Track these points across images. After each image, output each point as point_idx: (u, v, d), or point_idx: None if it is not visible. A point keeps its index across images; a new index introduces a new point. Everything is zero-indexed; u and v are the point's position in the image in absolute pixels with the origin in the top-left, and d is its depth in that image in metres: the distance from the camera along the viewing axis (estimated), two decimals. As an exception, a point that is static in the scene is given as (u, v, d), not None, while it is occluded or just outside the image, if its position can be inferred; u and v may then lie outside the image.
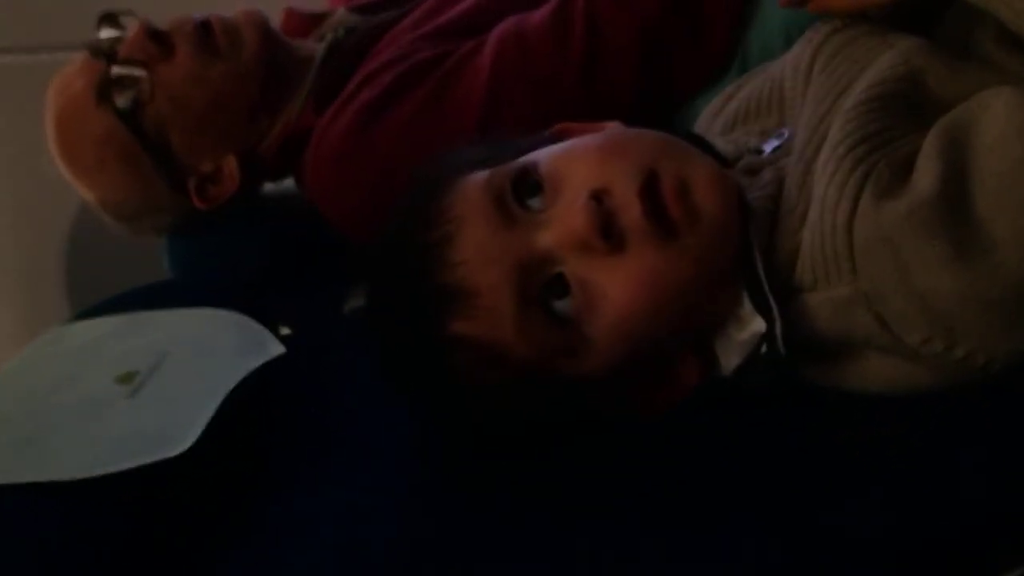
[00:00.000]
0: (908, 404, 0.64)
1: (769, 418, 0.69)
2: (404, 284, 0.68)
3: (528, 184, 0.67)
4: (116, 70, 1.10)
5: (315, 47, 1.21)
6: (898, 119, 0.65)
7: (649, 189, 0.63)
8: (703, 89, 1.00)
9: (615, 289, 0.64)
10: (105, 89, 1.10)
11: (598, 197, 0.63)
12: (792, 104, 0.76)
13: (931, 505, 0.59)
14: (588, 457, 0.70)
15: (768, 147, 0.74)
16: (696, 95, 1.01)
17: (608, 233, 0.63)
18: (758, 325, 0.66)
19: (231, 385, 0.82)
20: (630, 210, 0.63)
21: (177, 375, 0.85)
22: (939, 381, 0.63)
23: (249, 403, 0.84)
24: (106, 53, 1.12)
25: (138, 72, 1.10)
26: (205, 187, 1.16)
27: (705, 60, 1.02)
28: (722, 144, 0.76)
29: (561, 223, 0.65)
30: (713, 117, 0.85)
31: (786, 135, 0.74)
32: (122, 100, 1.10)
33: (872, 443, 0.64)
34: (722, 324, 0.69)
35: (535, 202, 0.66)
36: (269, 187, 1.28)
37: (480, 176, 0.68)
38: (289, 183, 1.25)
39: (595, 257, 0.64)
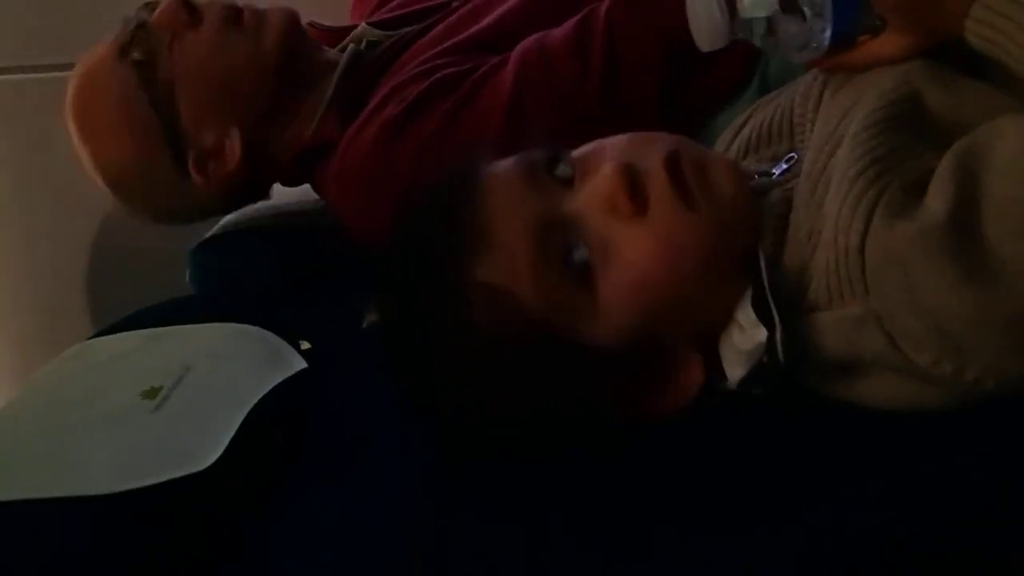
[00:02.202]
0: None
1: (771, 419, 0.69)
2: (430, 229, 0.70)
3: (559, 167, 0.69)
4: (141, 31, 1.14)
5: (338, 55, 1.22)
6: (906, 139, 0.65)
7: (671, 164, 0.66)
8: (721, 107, 1.01)
9: (635, 249, 0.66)
10: (127, 46, 1.13)
11: (626, 166, 0.66)
12: (801, 130, 0.77)
13: (931, 500, 0.59)
14: (596, 464, 0.70)
15: (777, 170, 0.75)
16: (716, 114, 1.01)
17: (634, 194, 0.65)
18: (760, 334, 0.66)
19: (253, 400, 0.83)
20: (655, 178, 0.66)
21: (200, 390, 0.85)
22: (948, 401, 0.63)
23: (268, 418, 0.84)
24: (136, 20, 1.15)
25: (162, 34, 1.13)
26: (205, 161, 1.17)
27: (722, 76, 1.02)
28: None
29: (589, 188, 0.68)
30: (726, 146, 0.86)
31: (795, 158, 0.75)
32: (138, 53, 1.13)
33: (871, 439, 0.65)
34: (726, 329, 0.69)
35: (564, 173, 0.69)
36: (289, 202, 1.29)
37: (511, 158, 0.71)
38: (306, 197, 1.25)
39: (619, 219, 0.66)
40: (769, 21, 0.70)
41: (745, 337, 0.67)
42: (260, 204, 1.32)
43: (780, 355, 0.65)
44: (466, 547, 0.67)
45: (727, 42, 0.71)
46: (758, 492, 0.64)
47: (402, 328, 0.71)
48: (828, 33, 0.69)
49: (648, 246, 0.66)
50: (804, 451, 0.66)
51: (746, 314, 0.67)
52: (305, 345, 1.08)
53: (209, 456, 0.76)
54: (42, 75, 1.55)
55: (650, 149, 0.68)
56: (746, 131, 0.84)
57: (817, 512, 0.60)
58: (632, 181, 0.66)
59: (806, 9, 0.69)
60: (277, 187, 1.29)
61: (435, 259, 0.69)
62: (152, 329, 0.96)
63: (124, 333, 0.97)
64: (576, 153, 0.71)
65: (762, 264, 0.66)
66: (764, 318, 0.66)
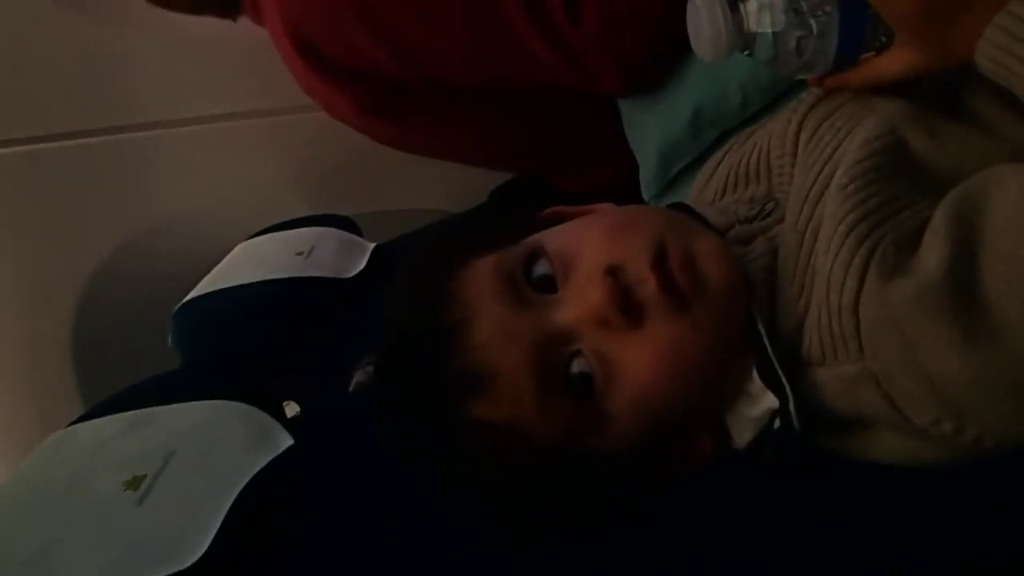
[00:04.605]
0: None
1: (796, 488, 0.68)
2: (420, 370, 0.66)
3: (537, 266, 0.67)
4: None
5: None
6: (895, 189, 0.63)
7: (659, 266, 0.63)
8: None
9: (635, 364, 0.64)
10: None
11: (613, 272, 0.63)
12: (780, 173, 0.75)
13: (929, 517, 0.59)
14: (608, 535, 0.69)
15: (757, 216, 0.74)
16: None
17: (626, 308, 0.63)
18: (770, 401, 0.65)
19: (238, 487, 0.81)
20: (645, 284, 0.64)
21: (184, 477, 0.84)
22: (948, 458, 0.61)
23: (256, 501, 0.83)
24: None
25: None
26: None
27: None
28: (713, 214, 0.75)
29: (578, 300, 0.65)
30: (703, 184, 0.84)
31: (774, 204, 0.73)
32: None
33: (918, 507, 0.63)
34: (733, 400, 0.68)
35: (544, 271, 0.66)
36: (275, 265, 1.28)
37: (488, 260, 0.67)
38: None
39: (613, 332, 0.64)
40: (774, 37, 0.68)
41: (753, 404, 0.66)
42: (243, 258, 1.30)
43: (795, 422, 0.63)
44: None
45: (729, 56, 0.69)
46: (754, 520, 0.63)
47: (412, 459, 0.70)
48: (833, 50, 0.68)
49: (649, 362, 0.64)
50: (797, 476, 0.66)
51: (753, 383, 0.66)
52: (293, 408, 1.07)
53: (194, 552, 0.75)
54: (19, 149, 1.54)
55: (634, 244, 0.65)
56: (722, 169, 0.82)
57: (815, 527, 0.59)
58: (622, 295, 0.63)
59: (813, 25, 0.67)
60: (258, 244, 1.28)
61: (431, 403, 0.66)
62: (134, 412, 0.94)
63: (106, 417, 0.95)
64: (552, 247, 0.67)
65: (761, 331, 0.65)
66: (770, 383, 0.64)
